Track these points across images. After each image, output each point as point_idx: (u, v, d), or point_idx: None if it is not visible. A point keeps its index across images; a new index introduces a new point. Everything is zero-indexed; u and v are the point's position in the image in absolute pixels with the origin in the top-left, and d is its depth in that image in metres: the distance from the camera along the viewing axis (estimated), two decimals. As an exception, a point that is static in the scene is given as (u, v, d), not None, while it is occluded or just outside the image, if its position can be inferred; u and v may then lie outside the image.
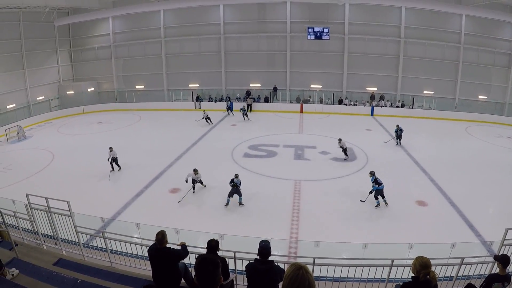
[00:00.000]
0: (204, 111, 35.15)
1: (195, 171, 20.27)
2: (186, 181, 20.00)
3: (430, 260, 7.94)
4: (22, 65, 41.23)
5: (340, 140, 25.80)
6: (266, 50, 44.73)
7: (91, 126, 37.84)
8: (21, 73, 41.28)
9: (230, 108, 41.41)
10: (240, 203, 18.62)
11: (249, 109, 41.64)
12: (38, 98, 42.79)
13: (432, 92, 43.49)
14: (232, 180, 18.80)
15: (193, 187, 20.32)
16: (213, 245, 7.95)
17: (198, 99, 44.50)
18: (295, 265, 3.34)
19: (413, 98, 42.73)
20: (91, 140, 32.02)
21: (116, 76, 48.56)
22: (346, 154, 25.84)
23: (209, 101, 44.85)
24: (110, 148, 23.08)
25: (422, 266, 5.68)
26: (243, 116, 38.51)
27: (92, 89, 47.76)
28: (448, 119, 40.40)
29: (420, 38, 41.81)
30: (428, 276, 5.64)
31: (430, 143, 31.08)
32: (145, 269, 10.46)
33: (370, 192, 18.82)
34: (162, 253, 7.95)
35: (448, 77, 43.19)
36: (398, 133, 28.47)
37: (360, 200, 19.19)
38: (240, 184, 18.77)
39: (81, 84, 47.04)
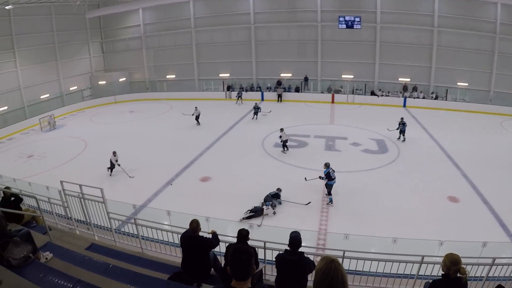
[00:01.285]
0: (196, 107, 33.78)
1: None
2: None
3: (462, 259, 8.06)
4: (55, 56, 42.53)
5: (281, 129, 25.44)
6: (297, 39, 44.35)
7: (122, 115, 38.35)
8: (54, 65, 42.53)
9: (239, 96, 41.76)
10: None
11: (279, 99, 41.78)
12: (70, 88, 43.96)
13: (467, 84, 42.01)
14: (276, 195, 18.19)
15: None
16: (243, 234, 8.03)
17: (230, 88, 44.71)
18: (326, 259, 3.38)
19: (447, 90, 41.58)
20: (123, 129, 32.46)
21: (147, 66, 49.17)
22: (284, 147, 25.56)
23: (235, 90, 45.06)
24: (114, 153, 22.69)
25: (453, 262, 5.64)
26: (238, 98, 41.15)
27: (124, 79, 48.48)
28: (482, 112, 39.02)
29: (454, 27, 40.56)
30: (458, 273, 5.62)
31: (463, 137, 30.23)
32: (175, 256, 10.75)
33: (320, 178, 18.71)
34: (195, 241, 8.10)
35: (483, 69, 41.48)
36: (401, 127, 27.12)
37: (305, 178, 19.62)
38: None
39: (113, 74, 47.80)
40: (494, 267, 9.56)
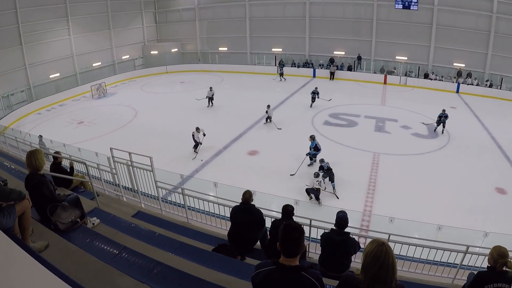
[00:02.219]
0: (210, 88, 31.83)
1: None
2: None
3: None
4: (108, 25, 43.87)
5: (268, 106, 25.86)
6: (351, 17, 43.80)
7: (173, 86, 39.11)
8: (107, 33, 43.93)
9: (281, 74, 41.37)
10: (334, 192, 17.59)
11: (332, 77, 41.74)
12: (123, 57, 45.22)
13: None
14: (321, 167, 17.81)
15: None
16: (289, 210, 7.94)
17: (281, 64, 44.15)
18: (377, 241, 3.42)
19: (502, 78, 40.12)
20: (174, 98, 32.99)
21: (200, 37, 49.70)
22: (268, 120, 25.86)
23: (291, 66, 44.73)
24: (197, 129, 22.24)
25: (500, 255, 5.57)
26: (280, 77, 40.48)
27: (176, 49, 49.26)
28: None
29: None
30: (505, 267, 5.55)
31: None
32: (219, 228, 11.03)
33: (307, 154, 19.29)
34: (248, 211, 8.23)
35: None
36: (442, 119, 25.66)
37: (291, 175, 19.12)
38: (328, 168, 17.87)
39: (165, 45, 48.57)
40: None
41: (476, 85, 39.78)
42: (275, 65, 44.94)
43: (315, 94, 30.71)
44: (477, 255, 9.31)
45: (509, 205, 17.53)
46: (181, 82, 40.35)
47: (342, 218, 7.49)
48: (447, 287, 8.69)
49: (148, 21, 49.52)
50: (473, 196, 17.90)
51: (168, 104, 31.37)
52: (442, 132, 24.64)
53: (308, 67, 44.20)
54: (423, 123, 25.36)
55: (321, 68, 43.70)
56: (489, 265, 5.77)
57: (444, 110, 24.63)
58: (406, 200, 17.02)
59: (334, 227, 7.57)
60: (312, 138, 19.23)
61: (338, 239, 7.32)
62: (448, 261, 9.68)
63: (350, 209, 14.05)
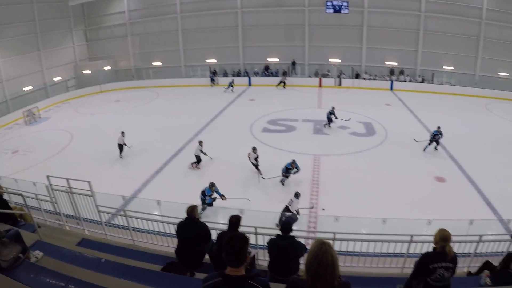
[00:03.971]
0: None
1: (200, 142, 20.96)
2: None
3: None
4: (37, 46, 41.20)
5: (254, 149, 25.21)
6: (284, 24, 43.98)
7: (109, 105, 37.86)
8: (37, 55, 41.28)
9: (231, 85, 40.67)
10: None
11: (282, 84, 41.68)
12: (54, 79, 42.73)
13: (452, 68, 42.60)
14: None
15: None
16: (233, 221, 7.81)
17: (215, 73, 44.16)
18: (318, 241, 3.55)
19: (433, 73, 42.11)
20: (110, 119, 32.09)
21: (133, 53, 48.47)
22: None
23: (224, 76, 44.57)
24: (122, 133, 22.53)
25: (442, 238, 5.84)
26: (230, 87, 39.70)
27: (109, 67, 47.58)
28: (467, 95, 39.72)
29: (441, 12, 40.76)
30: (444, 250, 5.80)
31: (449, 119, 30.21)
32: (167, 246, 10.72)
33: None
34: (191, 226, 8.03)
35: (468, 53, 42.14)
36: (437, 137, 23.64)
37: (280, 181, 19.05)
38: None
39: (98, 63, 46.87)
40: (481, 244, 9.99)
41: (409, 81, 41.32)
42: (209, 77, 44.57)
43: (331, 114, 27.46)
44: (422, 243, 9.65)
45: (449, 192, 18.34)
46: (116, 101, 39.10)
47: (285, 223, 7.72)
48: (397, 276, 8.70)
49: (79, 40, 47.38)
50: (414, 187, 18.53)
51: (104, 124, 30.38)
52: (436, 149, 23.57)
53: (244, 76, 43.94)
54: (415, 140, 24.91)
55: (256, 76, 43.51)
56: (434, 246, 6.05)
57: (439, 127, 23.47)
58: (350, 198, 17.16)
59: (280, 233, 7.62)
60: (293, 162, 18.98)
61: (284, 243, 7.38)
62: (395, 252, 9.96)
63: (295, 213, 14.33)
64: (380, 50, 42.77)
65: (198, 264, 8.21)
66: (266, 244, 7.90)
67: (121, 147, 22.24)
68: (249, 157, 19.70)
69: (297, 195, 15.55)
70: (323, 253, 3.43)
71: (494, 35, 40.89)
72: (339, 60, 43.41)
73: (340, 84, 41.57)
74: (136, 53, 48.41)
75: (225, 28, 44.86)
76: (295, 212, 15.25)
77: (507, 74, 41.99)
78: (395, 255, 10.07)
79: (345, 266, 9.97)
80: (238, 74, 44.30)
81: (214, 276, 3.96)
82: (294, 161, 18.36)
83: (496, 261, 8.56)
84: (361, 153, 23.01)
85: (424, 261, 5.98)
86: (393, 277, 8.78)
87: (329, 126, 27.13)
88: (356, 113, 28.98)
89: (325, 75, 42.57)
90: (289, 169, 18.31)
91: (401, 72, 42.11)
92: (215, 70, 44.63)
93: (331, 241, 9.08)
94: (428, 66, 42.67)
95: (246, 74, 43.70)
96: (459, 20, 40.75)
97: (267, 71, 43.41)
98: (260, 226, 9.59)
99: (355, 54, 43.32)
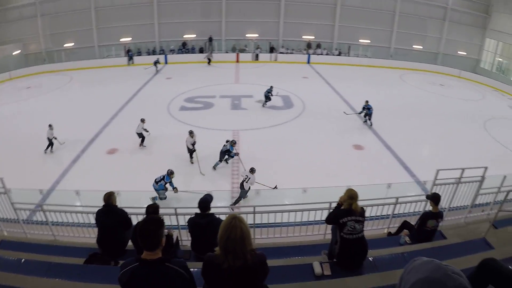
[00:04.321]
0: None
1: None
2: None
3: (368, 201, 9.71)
4: None
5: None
6: None
7: (20, 93, 35.10)
8: None
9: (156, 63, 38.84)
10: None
11: (207, 61, 40.70)
12: None
13: (369, 41, 44.38)
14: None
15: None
16: (150, 211, 7.74)
17: (129, 52, 42.13)
18: (229, 216, 3.71)
19: (349, 47, 43.49)
20: (21, 108, 29.98)
21: (43, 35, 45.72)
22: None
23: (138, 55, 42.72)
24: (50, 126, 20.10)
25: (350, 197, 6.33)
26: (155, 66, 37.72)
27: (18, 51, 44.07)
28: (383, 67, 41.61)
29: None
30: (351, 206, 6.27)
31: (366, 89, 31.14)
32: (89, 237, 10.14)
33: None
34: (109, 213, 7.86)
35: (384, 27, 44.17)
36: (366, 111, 23.79)
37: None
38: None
39: (5, 48, 43.60)
40: (398, 205, 10.39)
41: (326, 54, 42.24)
42: (125, 56, 42.50)
43: (269, 93, 26.63)
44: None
45: (367, 159, 19.16)
46: (27, 88, 36.86)
47: (201, 201, 7.55)
48: (321, 243, 8.89)
49: (-17, 23, 44.95)
50: (334, 156, 18.98)
51: (16, 114, 28.40)
52: (371, 125, 23.42)
53: (160, 54, 42.48)
54: (345, 112, 24.98)
55: (173, 53, 42.39)
56: (339, 203, 6.69)
57: (367, 102, 23.48)
58: (271, 171, 17.00)
59: (198, 211, 7.58)
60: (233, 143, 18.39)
61: (203, 221, 7.37)
62: (316, 219, 10.03)
63: (218, 190, 14.12)
64: (297, 24, 43.08)
65: (121, 252, 8.04)
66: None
67: (50, 141, 19.88)
68: (186, 142, 18.48)
69: (252, 171, 15.16)
70: (232, 227, 3.53)
71: (409, 10, 43.15)
72: (257, 35, 43.29)
73: (257, 59, 41.42)
74: (47, 34, 45.82)
75: (140, 4, 43.04)
76: (249, 188, 15.10)
77: (421, 47, 45.21)
78: (317, 222, 10.15)
79: (268, 238, 10.09)
80: (153, 52, 42.69)
81: (131, 262, 3.89)
82: (234, 142, 17.81)
83: (413, 221, 9.06)
84: (280, 126, 23.06)
85: (336, 216, 6.42)
86: (316, 243, 8.93)
87: (266, 104, 26.62)
88: (274, 87, 28.83)
89: (242, 50, 42.32)
90: (230, 152, 17.65)
91: (318, 46, 42.84)
92: (129, 49, 42.95)
93: (251, 215, 9.51)
94: (345, 39, 43.81)
95: (162, 52, 42.54)
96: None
97: (184, 48, 42.33)
98: (180, 207, 9.36)
99: (273, 29, 43.36)
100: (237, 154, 17.41)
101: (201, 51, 41.69)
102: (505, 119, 27.62)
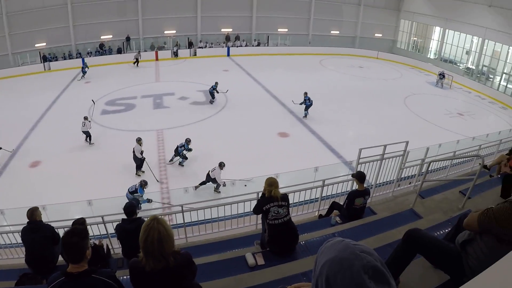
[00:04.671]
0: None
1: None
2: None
3: (296, 186, 10.32)
4: None
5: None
6: None
7: None
8: None
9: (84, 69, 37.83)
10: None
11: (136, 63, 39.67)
12: None
13: (286, 30, 45.35)
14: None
15: None
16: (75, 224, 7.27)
17: (46, 59, 39.77)
18: (150, 217, 3.66)
19: (268, 36, 44.27)
20: None
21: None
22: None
23: (52, 60, 40.23)
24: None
25: (269, 184, 6.58)
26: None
27: None
28: (303, 54, 42.99)
29: None
30: (271, 193, 6.49)
31: (286, 77, 32.39)
32: (18, 258, 9.58)
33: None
34: (35, 230, 7.46)
35: (301, 15, 45.44)
36: (305, 102, 24.01)
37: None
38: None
39: None
40: (326, 187, 10.66)
41: (245, 46, 42.75)
42: (41, 62, 40.97)
43: (214, 90, 26.43)
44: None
45: (293, 145, 19.98)
46: None
47: (126, 207, 7.53)
48: (253, 233, 9.08)
49: None
50: (260, 146, 19.42)
51: None
52: (304, 116, 23.76)
53: (77, 58, 41.15)
54: (292, 101, 25.11)
55: (90, 56, 40.63)
56: (263, 192, 6.77)
57: (305, 93, 23.82)
58: (199, 167, 17.03)
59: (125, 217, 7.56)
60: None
61: (131, 226, 7.26)
62: (246, 211, 10.08)
63: (147, 192, 13.97)
64: (215, 18, 43.21)
65: (52, 269, 7.53)
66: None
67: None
68: (133, 151, 17.34)
69: (221, 165, 15.36)
70: (150, 229, 3.48)
71: None
72: (174, 31, 42.81)
73: (176, 56, 40.95)
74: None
75: (54, 7, 41.65)
76: (215, 179, 15.25)
77: (338, 32, 47.40)
78: (247, 214, 10.21)
79: (200, 235, 10.07)
80: (70, 56, 41.31)
81: (58, 277, 3.75)
82: (188, 139, 17.79)
83: (342, 201, 9.32)
84: (205, 121, 23.29)
85: (259, 205, 6.65)
86: (249, 234, 9.09)
87: (213, 101, 26.41)
88: (194, 82, 28.95)
89: (161, 48, 41.75)
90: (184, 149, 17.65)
91: (237, 38, 43.31)
92: (44, 55, 41.38)
93: (180, 214, 9.54)
94: (263, 30, 44.59)
95: (79, 55, 41.38)
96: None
97: (101, 49, 41.31)
98: (106, 214, 9.17)
99: (191, 24, 43.17)
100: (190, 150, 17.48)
101: (119, 51, 40.69)
102: (423, 95, 29.65)
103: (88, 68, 34.48)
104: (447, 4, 41.69)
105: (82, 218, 7.61)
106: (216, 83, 26.22)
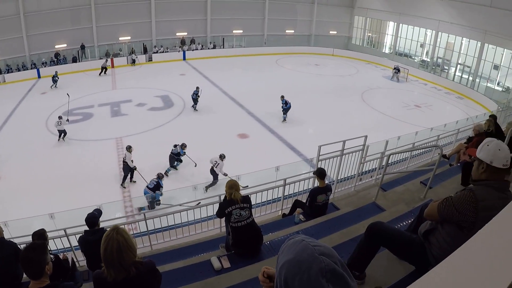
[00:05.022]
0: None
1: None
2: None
3: (258, 186, 10.33)
4: None
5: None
6: (69, 6, 40.42)
7: None
8: None
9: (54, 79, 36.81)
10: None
11: (104, 71, 38.53)
12: None
13: (241, 31, 45.94)
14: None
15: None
16: (34, 238, 7.19)
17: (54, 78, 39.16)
18: (111, 228, 3.59)
19: (223, 38, 44.74)
20: None
21: None
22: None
23: (8, 73, 38.86)
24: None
25: (229, 187, 6.64)
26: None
27: None
28: (259, 55, 43.86)
29: None
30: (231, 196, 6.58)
31: (243, 78, 33.04)
32: None
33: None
34: None
35: (256, 16, 46.29)
36: (283, 106, 24.34)
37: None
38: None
39: None
40: (288, 186, 10.68)
41: (201, 49, 43.09)
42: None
43: (196, 95, 26.15)
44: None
45: (253, 146, 20.00)
46: None
47: (88, 217, 7.43)
48: (218, 237, 9.04)
49: None
50: (221, 148, 18.60)
51: None
52: (284, 120, 23.72)
53: (32, 69, 40.36)
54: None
55: (45, 66, 39.86)
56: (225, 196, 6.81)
57: (282, 97, 23.74)
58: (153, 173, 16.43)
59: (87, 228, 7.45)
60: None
61: (94, 238, 7.02)
62: (209, 215, 10.24)
63: (109, 202, 13.55)
64: (170, 22, 43.16)
65: (18, 286, 7.27)
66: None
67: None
68: (124, 160, 16.66)
69: (221, 157, 15.74)
70: (109, 239, 3.44)
71: None
72: (129, 37, 42.41)
73: (133, 62, 40.52)
74: None
75: (6, 17, 40.67)
76: (221, 173, 15.67)
77: (293, 31, 48.51)
78: (210, 217, 10.33)
79: (165, 242, 10.06)
80: (24, 67, 40.52)
81: None
82: (184, 145, 17.92)
83: (305, 198, 9.33)
84: (163, 127, 23.19)
85: (221, 208, 6.71)
86: (214, 238, 9.07)
87: (195, 107, 26.16)
88: (151, 88, 28.88)
89: (116, 55, 41.21)
90: (180, 156, 17.81)
91: (192, 41, 43.54)
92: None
93: (141, 222, 9.66)
94: (218, 32, 44.99)
95: (34, 66, 40.66)
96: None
97: (57, 58, 40.59)
98: (69, 227, 9.02)
99: (146, 29, 42.93)
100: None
101: (74, 60, 40.06)
102: (380, 89, 30.58)
103: (58, 78, 33.82)
104: (399, -1, 42.86)
105: (42, 229, 7.45)
106: (197, 87, 26.10)
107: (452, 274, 1.75)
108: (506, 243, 1.96)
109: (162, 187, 14.33)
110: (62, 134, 20.71)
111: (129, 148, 16.67)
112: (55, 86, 33.27)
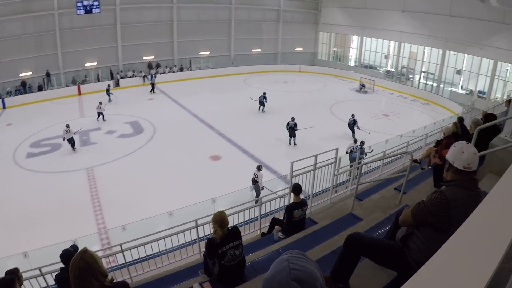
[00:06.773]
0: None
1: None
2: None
3: (234, 208, 10.21)
4: None
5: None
6: (33, 32, 39.44)
7: None
8: None
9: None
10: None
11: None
12: None
13: (209, 52, 46.56)
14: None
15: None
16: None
17: None
18: (79, 251, 3.56)
19: (190, 61, 45.20)
20: None
21: None
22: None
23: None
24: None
25: (214, 221, 6.12)
26: None
27: None
28: (227, 75, 44.57)
29: (193, 2, 43.98)
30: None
31: (212, 100, 33.52)
32: None
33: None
34: None
35: (222, 36, 47.27)
36: (260, 99, 28.82)
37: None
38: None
39: None
40: (264, 204, 10.92)
41: (168, 72, 43.24)
42: None
43: (264, 98, 29.45)
44: (210, 223, 9.72)
45: (226, 167, 20.24)
46: None
47: (63, 254, 7.32)
48: (198, 263, 8.71)
49: None
50: (194, 172, 19.46)
51: None
52: (263, 111, 26.15)
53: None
54: (251, 98, 27.12)
55: (10, 96, 38.04)
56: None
57: (264, 93, 26.10)
58: (134, 202, 16.95)
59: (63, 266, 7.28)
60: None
61: (67, 276, 6.66)
62: (187, 241, 10.18)
63: (84, 235, 13.26)
64: (136, 46, 43.22)
65: None
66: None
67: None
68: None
69: (259, 168, 15.98)
70: (72, 265, 3.44)
71: (244, 17, 47.18)
72: (96, 63, 41.95)
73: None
74: None
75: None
76: (262, 185, 15.67)
77: (259, 50, 49.92)
78: (189, 243, 10.26)
79: (145, 273, 9.92)
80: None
81: None
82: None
83: (281, 216, 9.41)
84: (135, 154, 22.97)
85: (210, 247, 6.19)
86: (194, 264, 8.86)
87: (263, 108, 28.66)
88: (120, 114, 28.63)
89: (83, 82, 40.43)
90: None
91: (158, 65, 43.71)
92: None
93: (120, 254, 9.32)
94: (185, 54, 45.51)
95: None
96: (211, 7, 45.40)
97: (23, 87, 39.64)
98: (44, 265, 8.66)
99: (112, 54, 42.70)
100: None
101: (40, 88, 39.17)
102: (348, 101, 31.50)
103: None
104: (362, 14, 45.61)
105: (15, 268, 7.09)
106: (264, 92, 28.50)
107: (436, 276, 1.81)
108: (482, 240, 2.11)
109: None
110: (72, 143, 21.44)
111: (67, 125, 20.93)
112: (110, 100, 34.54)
